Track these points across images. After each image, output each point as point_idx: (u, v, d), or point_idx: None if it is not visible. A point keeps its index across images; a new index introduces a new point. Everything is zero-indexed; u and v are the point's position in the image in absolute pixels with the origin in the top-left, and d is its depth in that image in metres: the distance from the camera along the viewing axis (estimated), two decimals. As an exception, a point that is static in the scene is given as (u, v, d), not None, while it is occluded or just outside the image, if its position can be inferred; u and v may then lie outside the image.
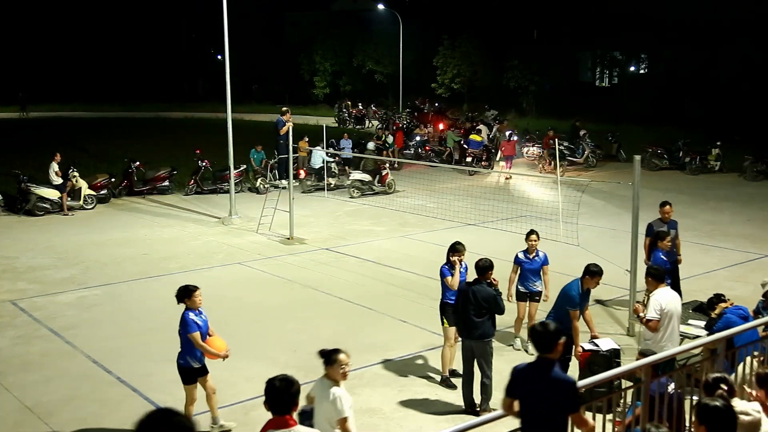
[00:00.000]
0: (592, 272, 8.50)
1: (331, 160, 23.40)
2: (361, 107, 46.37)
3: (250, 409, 8.01)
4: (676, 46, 42.85)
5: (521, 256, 10.15)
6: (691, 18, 40.16)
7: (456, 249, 8.93)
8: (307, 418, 5.82)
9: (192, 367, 7.56)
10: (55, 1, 61.59)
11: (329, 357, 5.67)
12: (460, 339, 8.57)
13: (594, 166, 27.20)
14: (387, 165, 23.00)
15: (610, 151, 28.71)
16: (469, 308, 8.17)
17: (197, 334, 7.43)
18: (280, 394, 4.57)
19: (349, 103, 46.85)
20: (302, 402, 5.15)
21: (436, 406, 8.32)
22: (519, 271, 10.15)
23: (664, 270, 8.57)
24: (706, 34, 40.05)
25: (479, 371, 8.28)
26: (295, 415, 4.62)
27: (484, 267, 8.27)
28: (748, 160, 25.04)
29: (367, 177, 21.98)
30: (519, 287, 10.17)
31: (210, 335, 7.62)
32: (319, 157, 22.83)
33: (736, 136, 30.48)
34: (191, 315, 7.48)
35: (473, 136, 29.40)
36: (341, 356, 5.65)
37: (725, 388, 5.12)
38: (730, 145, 27.50)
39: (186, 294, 7.54)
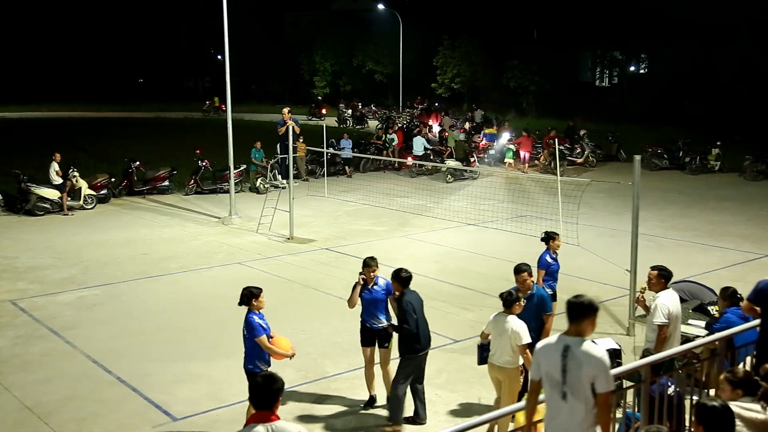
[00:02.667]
0: (515, 269, 7.95)
1: (431, 147, 26.64)
2: (360, 107, 46.36)
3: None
4: (676, 46, 42.83)
5: (549, 258, 9.63)
6: (691, 18, 40.12)
7: (365, 264, 8.35)
8: (485, 350, 7.37)
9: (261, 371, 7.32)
10: (55, 1, 61.64)
11: (508, 299, 7.22)
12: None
13: (594, 166, 27.20)
14: (474, 154, 26.39)
15: (610, 151, 28.69)
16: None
17: (265, 338, 7.29)
18: (262, 390, 4.60)
19: (357, 104, 46.60)
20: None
21: (437, 406, 8.31)
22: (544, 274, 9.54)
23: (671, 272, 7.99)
24: (706, 34, 40.02)
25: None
26: (278, 411, 4.62)
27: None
28: (748, 160, 25.04)
29: (459, 164, 24.45)
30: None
31: (272, 336, 7.47)
32: (420, 145, 26.16)
33: (736, 136, 30.49)
34: (256, 318, 7.32)
35: (489, 130, 29.50)
36: (521, 301, 7.30)
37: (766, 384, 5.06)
38: (730, 145, 27.50)
39: (252, 296, 7.37)
